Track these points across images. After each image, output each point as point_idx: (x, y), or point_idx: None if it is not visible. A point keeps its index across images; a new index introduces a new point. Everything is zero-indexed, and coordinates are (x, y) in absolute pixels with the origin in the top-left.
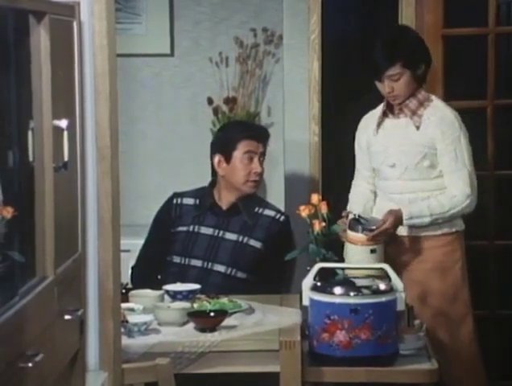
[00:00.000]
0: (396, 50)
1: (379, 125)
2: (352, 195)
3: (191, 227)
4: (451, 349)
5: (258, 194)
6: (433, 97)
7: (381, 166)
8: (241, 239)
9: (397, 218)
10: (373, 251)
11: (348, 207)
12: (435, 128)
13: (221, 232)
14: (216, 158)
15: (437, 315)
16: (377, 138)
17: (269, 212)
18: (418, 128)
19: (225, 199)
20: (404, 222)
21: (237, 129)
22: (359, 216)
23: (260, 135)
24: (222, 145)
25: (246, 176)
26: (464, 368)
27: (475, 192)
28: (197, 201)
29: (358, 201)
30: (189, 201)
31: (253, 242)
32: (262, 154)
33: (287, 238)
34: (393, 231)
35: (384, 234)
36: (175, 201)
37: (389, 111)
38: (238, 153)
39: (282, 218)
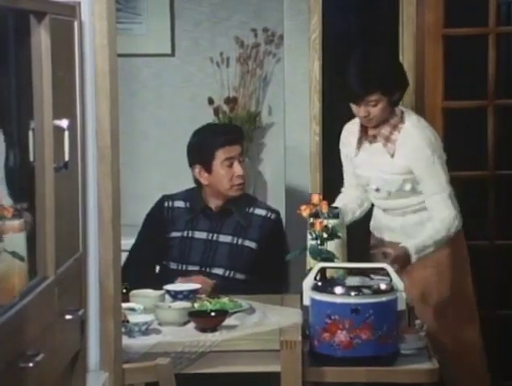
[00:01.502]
0: (373, 80)
1: (358, 147)
2: (338, 197)
3: (185, 233)
4: (454, 350)
5: (259, 193)
6: (406, 117)
7: (366, 187)
8: (235, 240)
9: (401, 254)
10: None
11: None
12: (407, 157)
13: (215, 235)
14: (197, 169)
15: (439, 317)
16: (357, 161)
17: (260, 211)
18: (392, 156)
19: (213, 203)
20: (413, 257)
21: (211, 137)
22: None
23: (235, 137)
24: (199, 155)
25: (230, 181)
26: (467, 369)
27: (458, 209)
28: (188, 204)
29: (341, 200)
30: (180, 204)
31: (248, 243)
32: (241, 155)
33: (280, 236)
34: (400, 266)
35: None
36: (166, 204)
37: (364, 136)
38: (218, 162)
39: (273, 216)
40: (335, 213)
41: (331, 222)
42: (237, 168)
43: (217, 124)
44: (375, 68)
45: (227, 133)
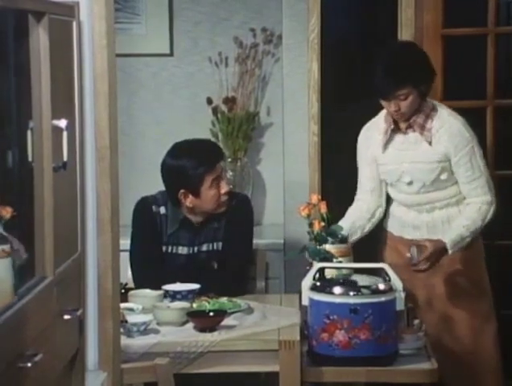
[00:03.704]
0: (402, 75)
1: (387, 142)
2: (349, 209)
3: (169, 248)
4: (471, 352)
5: (257, 193)
6: (437, 106)
7: (396, 182)
8: (211, 247)
9: (438, 249)
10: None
11: (341, 220)
12: (446, 143)
13: (196, 249)
14: (181, 194)
15: (444, 319)
16: (386, 156)
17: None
18: (430, 143)
19: (194, 219)
20: (450, 251)
21: (195, 161)
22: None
23: (218, 157)
24: (184, 181)
25: (218, 200)
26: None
27: (494, 195)
28: (168, 212)
29: (350, 216)
30: (162, 210)
31: (216, 245)
32: (223, 170)
33: (242, 223)
34: (434, 261)
35: (425, 262)
36: (154, 209)
37: (396, 128)
38: (206, 186)
39: (234, 202)
40: (343, 238)
41: (338, 246)
42: (224, 185)
43: (193, 143)
44: (403, 63)
45: (209, 154)
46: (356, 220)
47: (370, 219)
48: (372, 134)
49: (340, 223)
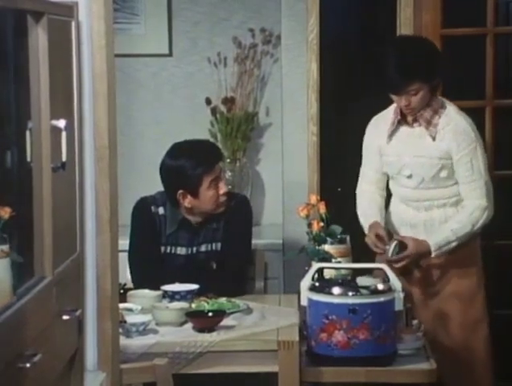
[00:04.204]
0: (413, 71)
1: (392, 133)
2: (363, 203)
3: (168, 249)
4: (463, 351)
5: (256, 194)
6: (446, 103)
7: (396, 175)
8: (210, 247)
9: (420, 251)
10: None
11: (363, 217)
12: (450, 140)
13: (195, 249)
14: (180, 195)
15: (439, 317)
16: (389, 147)
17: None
18: (434, 138)
19: (192, 220)
20: (433, 254)
21: (194, 162)
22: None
23: (217, 158)
24: (182, 181)
25: (216, 201)
26: (475, 372)
27: (491, 201)
28: (167, 213)
29: (373, 210)
30: (161, 211)
31: (215, 246)
32: (221, 171)
33: (241, 223)
34: (415, 260)
35: (405, 260)
36: (153, 209)
37: (403, 120)
38: (204, 186)
39: (233, 202)
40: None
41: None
42: (222, 186)
43: (192, 143)
44: (413, 58)
45: (208, 155)
46: (380, 212)
47: (387, 205)
48: (380, 125)
49: (368, 217)
